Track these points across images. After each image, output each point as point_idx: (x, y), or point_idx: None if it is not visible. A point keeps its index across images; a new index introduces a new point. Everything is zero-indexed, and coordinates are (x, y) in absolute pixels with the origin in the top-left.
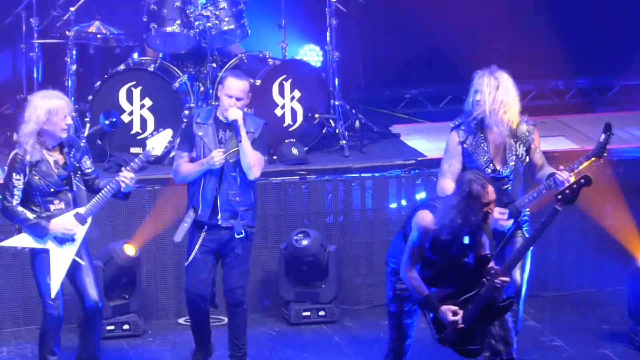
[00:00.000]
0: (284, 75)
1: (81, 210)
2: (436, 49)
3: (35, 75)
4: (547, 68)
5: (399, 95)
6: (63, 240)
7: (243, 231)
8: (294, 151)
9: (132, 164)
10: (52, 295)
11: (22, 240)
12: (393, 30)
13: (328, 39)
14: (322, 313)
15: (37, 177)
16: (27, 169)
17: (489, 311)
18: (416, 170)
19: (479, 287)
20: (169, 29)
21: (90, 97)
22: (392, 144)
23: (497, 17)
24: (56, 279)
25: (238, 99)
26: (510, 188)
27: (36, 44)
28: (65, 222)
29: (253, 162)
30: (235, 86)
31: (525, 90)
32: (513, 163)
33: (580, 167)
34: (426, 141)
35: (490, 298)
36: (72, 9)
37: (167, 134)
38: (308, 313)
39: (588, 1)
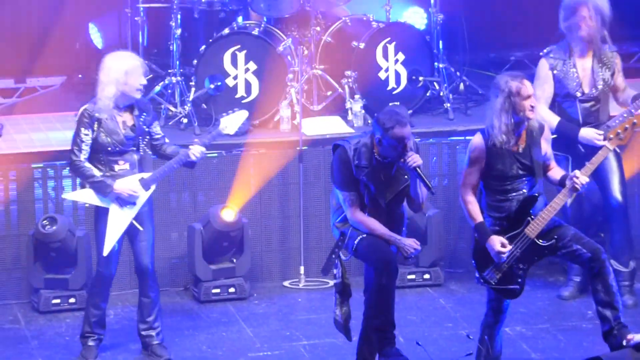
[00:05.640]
0: (388, 38)
1: (145, 175)
2: (541, 11)
3: (140, 40)
4: None
5: (504, 58)
6: (125, 202)
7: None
8: None
9: (203, 138)
10: (105, 254)
11: (86, 196)
12: None
13: (432, 1)
14: (427, 276)
15: (104, 135)
16: (95, 125)
17: (531, 251)
18: None
19: (524, 225)
20: None
21: (195, 61)
22: None
23: None
24: (111, 239)
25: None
26: (599, 109)
27: (141, 8)
28: (130, 184)
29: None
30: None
31: (630, 52)
32: (601, 86)
33: None
34: None
35: (533, 239)
36: None
37: (242, 114)
38: (413, 276)
39: None
